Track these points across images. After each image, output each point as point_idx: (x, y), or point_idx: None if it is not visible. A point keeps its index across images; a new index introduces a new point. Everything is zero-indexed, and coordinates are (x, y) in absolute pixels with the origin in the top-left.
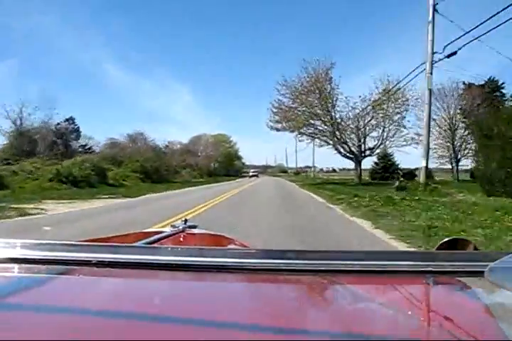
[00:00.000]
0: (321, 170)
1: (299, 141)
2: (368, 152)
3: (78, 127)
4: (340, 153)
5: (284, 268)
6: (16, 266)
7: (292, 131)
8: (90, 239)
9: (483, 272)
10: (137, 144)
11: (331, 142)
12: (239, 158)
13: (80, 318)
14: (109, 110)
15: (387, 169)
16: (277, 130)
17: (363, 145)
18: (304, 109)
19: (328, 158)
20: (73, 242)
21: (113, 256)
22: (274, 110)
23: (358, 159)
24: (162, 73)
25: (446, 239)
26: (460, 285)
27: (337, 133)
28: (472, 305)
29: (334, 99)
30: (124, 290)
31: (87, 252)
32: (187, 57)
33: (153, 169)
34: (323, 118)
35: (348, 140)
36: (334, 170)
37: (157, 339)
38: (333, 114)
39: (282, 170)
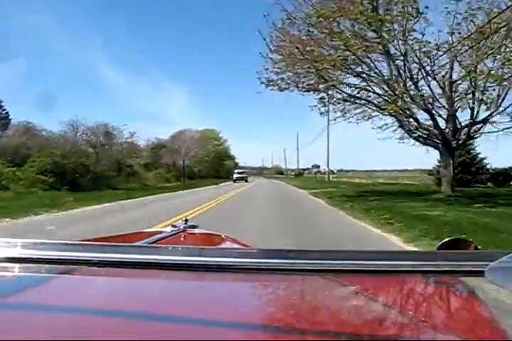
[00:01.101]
0: (319, 171)
1: (321, 113)
2: (471, 130)
3: (7, 113)
4: (409, 133)
5: (285, 267)
6: (16, 265)
7: (309, 90)
8: (91, 238)
9: (483, 272)
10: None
11: (390, 110)
12: (231, 157)
13: (80, 317)
14: (105, 111)
15: (466, 168)
16: (280, 89)
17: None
18: (336, 33)
19: (318, 159)
20: (73, 242)
21: (114, 256)
22: (275, 45)
23: (449, 145)
24: (158, 74)
25: (447, 239)
26: (461, 284)
27: (409, 83)
28: (473, 304)
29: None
30: (125, 290)
31: (88, 252)
32: (184, 58)
33: (82, 169)
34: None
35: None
36: (332, 172)
37: (158, 338)
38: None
39: (279, 172)
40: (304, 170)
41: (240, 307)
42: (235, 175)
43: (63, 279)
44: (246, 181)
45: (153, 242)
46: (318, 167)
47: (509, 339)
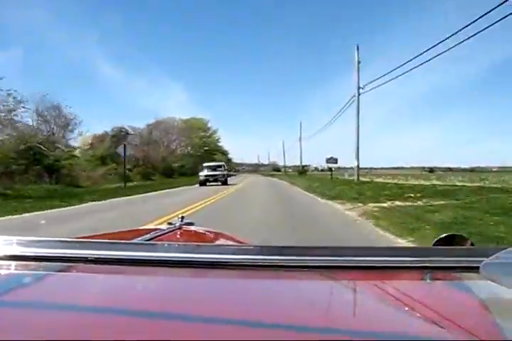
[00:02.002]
0: (316, 168)
1: None
2: None
3: None
4: None
5: (281, 264)
6: (14, 263)
7: None
8: (87, 236)
9: (478, 267)
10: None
11: None
12: (222, 152)
13: (78, 315)
14: (102, 107)
15: None
16: None
17: None
18: None
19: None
20: (71, 239)
21: (110, 253)
22: None
23: None
24: (156, 71)
25: (443, 235)
26: (456, 280)
27: None
28: (468, 300)
29: None
30: (122, 287)
31: (85, 249)
32: (181, 54)
33: None
34: None
35: None
36: (330, 169)
37: (155, 335)
38: None
39: (276, 169)
40: (303, 166)
41: (237, 304)
42: (204, 173)
43: (60, 277)
44: (225, 183)
45: (150, 239)
46: (336, 161)
47: (506, 337)
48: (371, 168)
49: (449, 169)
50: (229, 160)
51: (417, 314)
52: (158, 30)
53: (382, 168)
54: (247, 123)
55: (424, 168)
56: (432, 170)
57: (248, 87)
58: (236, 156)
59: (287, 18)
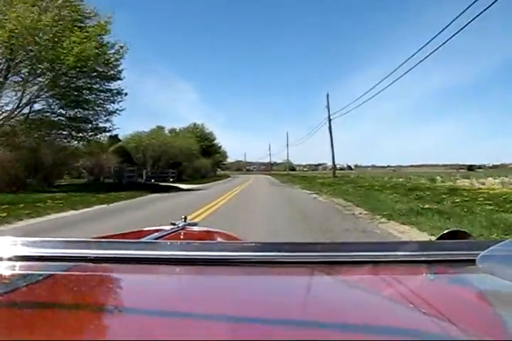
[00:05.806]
0: (334, 167)
1: None
2: None
3: None
4: None
5: (282, 260)
6: (20, 263)
7: None
8: (92, 237)
9: (475, 260)
10: None
11: None
12: (198, 134)
13: (82, 314)
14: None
15: None
16: None
17: None
18: None
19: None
20: (75, 239)
21: (115, 252)
22: None
23: None
24: (167, 70)
25: (445, 231)
26: (454, 273)
27: None
28: (466, 292)
29: None
30: (125, 285)
31: (90, 249)
32: (193, 54)
33: None
34: None
35: None
36: (350, 168)
37: (160, 331)
38: None
39: (290, 168)
40: (316, 165)
41: (239, 300)
42: None
43: (64, 276)
44: None
45: (154, 239)
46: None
47: (503, 328)
48: (381, 167)
49: (492, 167)
50: (217, 152)
51: (417, 308)
52: (170, 33)
53: (388, 166)
54: (262, 123)
55: (455, 165)
56: (471, 168)
57: (260, 88)
58: (250, 156)
59: (299, 21)
